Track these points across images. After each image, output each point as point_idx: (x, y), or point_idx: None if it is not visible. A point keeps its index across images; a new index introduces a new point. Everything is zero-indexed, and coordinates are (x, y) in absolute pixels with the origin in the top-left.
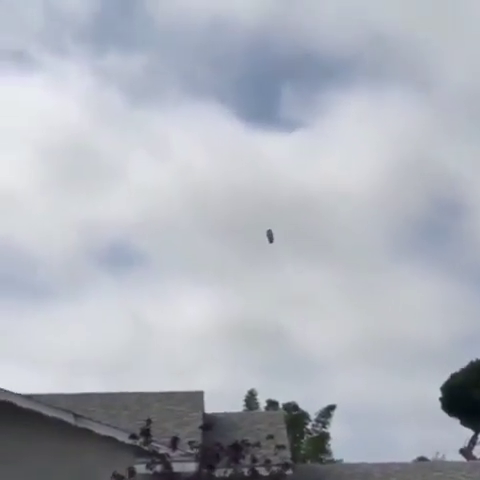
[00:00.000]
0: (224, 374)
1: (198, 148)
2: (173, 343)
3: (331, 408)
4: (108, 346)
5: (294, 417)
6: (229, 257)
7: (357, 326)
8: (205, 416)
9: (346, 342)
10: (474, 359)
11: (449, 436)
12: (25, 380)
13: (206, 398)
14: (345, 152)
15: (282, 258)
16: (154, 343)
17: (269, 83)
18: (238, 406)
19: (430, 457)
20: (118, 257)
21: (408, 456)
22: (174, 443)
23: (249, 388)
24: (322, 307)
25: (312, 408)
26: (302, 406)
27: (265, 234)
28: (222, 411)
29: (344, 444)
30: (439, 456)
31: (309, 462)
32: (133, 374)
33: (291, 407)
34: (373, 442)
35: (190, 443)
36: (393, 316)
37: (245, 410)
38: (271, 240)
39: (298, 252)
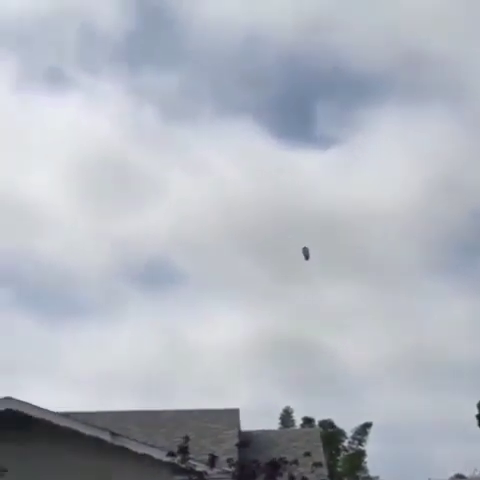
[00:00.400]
0: (259, 391)
1: (233, 165)
2: (209, 361)
3: (367, 425)
4: (145, 364)
5: (330, 434)
6: (264, 274)
7: (391, 343)
8: (241, 433)
9: (380, 359)
10: None
11: None
12: (62, 398)
13: (242, 415)
14: (379, 169)
15: (316, 275)
16: (190, 361)
17: (303, 100)
18: (274, 424)
19: (468, 474)
20: (154, 274)
21: (445, 473)
22: (212, 461)
23: (284, 406)
24: (356, 324)
25: (348, 425)
26: (338, 423)
27: (301, 251)
28: (258, 428)
29: (380, 461)
30: (477, 473)
31: (346, 479)
32: (170, 392)
33: (327, 424)
34: (409, 459)
35: (227, 461)
36: (427, 333)
37: (280, 428)
38: (307, 257)
39: (332, 269)
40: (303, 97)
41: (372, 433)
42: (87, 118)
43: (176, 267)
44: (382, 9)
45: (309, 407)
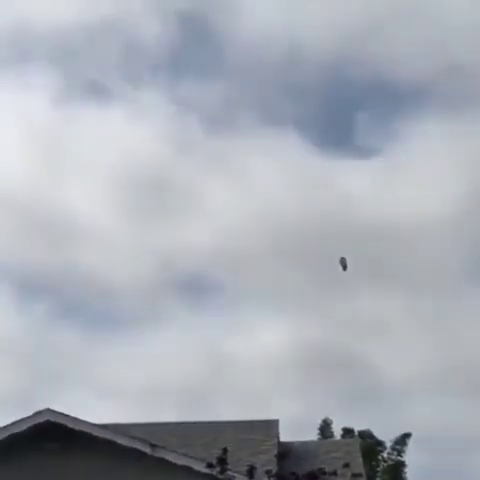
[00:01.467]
0: (299, 402)
1: (275, 176)
2: (249, 372)
3: (407, 436)
4: (184, 375)
5: (369, 445)
6: (305, 285)
7: (433, 353)
8: (280, 444)
9: (421, 369)
10: None
11: None
12: (103, 410)
13: (281, 426)
14: (421, 180)
15: (358, 286)
16: (230, 372)
17: (345, 111)
18: (312, 434)
19: None
20: (194, 287)
21: None
22: (251, 472)
23: (323, 416)
24: (398, 334)
25: (387, 436)
26: (377, 434)
27: (338, 262)
28: (297, 439)
29: (421, 472)
30: None
31: None
32: (209, 403)
33: (366, 435)
34: (450, 470)
35: (266, 472)
36: (469, 343)
37: (320, 438)
38: (345, 268)
39: (374, 280)
40: (346, 108)
41: (412, 444)
42: (129, 131)
43: (216, 279)
44: (422, 21)
45: (348, 418)
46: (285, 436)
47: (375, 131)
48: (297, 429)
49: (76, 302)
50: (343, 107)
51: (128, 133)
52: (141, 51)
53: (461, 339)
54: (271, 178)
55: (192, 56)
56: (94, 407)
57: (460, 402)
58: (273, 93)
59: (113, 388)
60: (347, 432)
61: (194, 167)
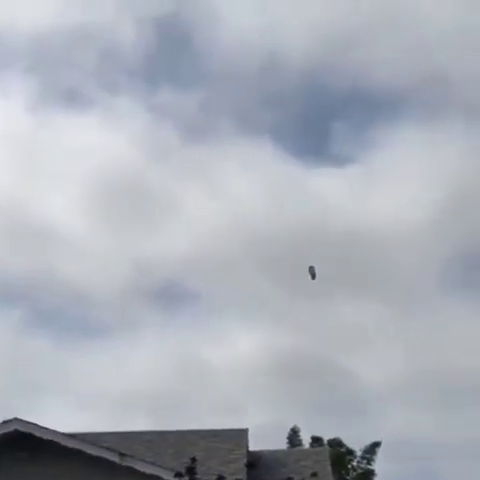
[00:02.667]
0: (270, 411)
1: (251, 184)
2: (222, 380)
3: (376, 444)
4: (158, 383)
5: (339, 454)
6: (279, 293)
7: (406, 362)
8: (249, 453)
9: (394, 378)
10: None
11: None
12: (75, 418)
13: (252, 435)
14: (397, 188)
15: (333, 294)
16: (204, 380)
17: (322, 119)
18: (282, 443)
19: None
20: (170, 294)
21: None
22: None
23: (292, 425)
24: (372, 343)
25: (358, 444)
26: (348, 442)
27: (308, 270)
28: (266, 448)
29: None
30: None
31: None
32: (183, 411)
33: (336, 443)
34: (420, 479)
35: None
36: (443, 351)
37: (288, 447)
38: (313, 276)
39: (349, 287)
40: (322, 116)
41: (382, 452)
42: (106, 138)
43: (191, 287)
44: (402, 29)
45: (318, 426)
46: (256, 445)
47: (351, 139)
48: (267, 438)
49: (51, 310)
50: (320, 115)
51: (104, 140)
52: (117, 58)
53: (433, 348)
54: (247, 186)
55: (169, 63)
56: (68, 415)
57: (430, 411)
58: (250, 101)
59: (87, 396)
60: (316, 440)
61: (170, 174)
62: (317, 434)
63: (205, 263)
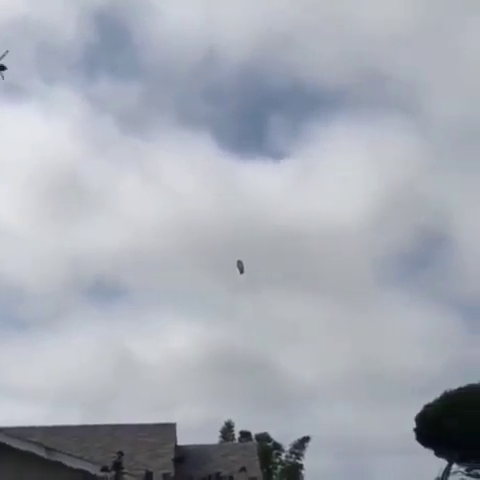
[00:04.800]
0: (202, 405)
1: (188, 177)
2: (155, 375)
3: (305, 439)
4: (89, 378)
5: (267, 448)
6: (215, 289)
7: (338, 357)
8: (178, 448)
9: (326, 373)
10: (448, 389)
11: (424, 467)
12: (2, 412)
13: (184, 429)
14: (333, 182)
15: (268, 289)
16: (136, 375)
17: (260, 114)
18: (215, 438)
19: None
20: (105, 289)
21: None
22: (148, 477)
23: (226, 419)
24: (306, 338)
25: (288, 439)
26: (277, 437)
27: (236, 265)
28: (196, 443)
29: (318, 476)
30: None
31: None
32: (114, 406)
33: (264, 438)
34: (348, 473)
35: (163, 476)
36: (375, 347)
37: (221, 441)
38: (241, 271)
39: (284, 282)
40: (260, 111)
41: (311, 447)
42: (42, 129)
43: (126, 282)
44: (340, 27)
45: (251, 421)
46: (188, 439)
47: (289, 134)
48: (199, 432)
49: None
50: (258, 109)
51: (41, 131)
52: (56, 50)
53: (365, 344)
54: (184, 179)
55: (108, 55)
56: None
57: (362, 405)
58: (189, 94)
59: (16, 390)
60: (244, 435)
61: (108, 167)
62: (247, 429)
63: (140, 258)
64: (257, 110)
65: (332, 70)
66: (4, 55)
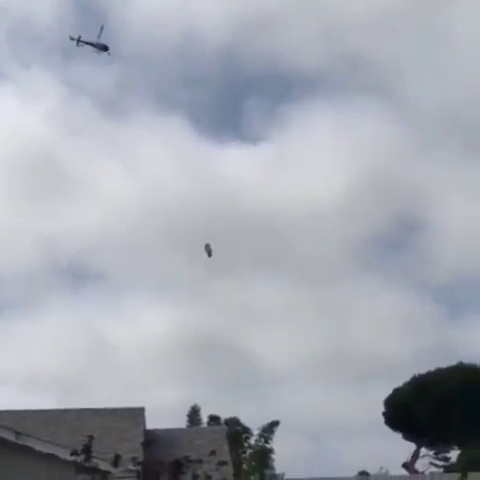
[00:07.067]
0: (173, 389)
1: (165, 161)
2: (126, 358)
3: (274, 424)
4: (62, 362)
5: (236, 432)
6: (190, 273)
7: (310, 340)
8: (147, 432)
9: (297, 356)
10: (417, 373)
11: (393, 450)
12: None
13: (154, 413)
14: (309, 166)
15: (241, 272)
16: (107, 359)
17: (237, 98)
18: (182, 422)
19: (373, 472)
20: (77, 272)
21: (351, 471)
22: (116, 461)
23: (193, 403)
24: (277, 321)
25: (258, 423)
26: (247, 421)
27: (204, 248)
28: (165, 427)
29: (288, 459)
30: (383, 471)
31: (252, 477)
32: (85, 390)
33: (233, 422)
34: (317, 457)
35: (132, 460)
36: (346, 330)
37: (188, 426)
38: (209, 254)
39: (258, 266)
40: (237, 96)
41: (281, 431)
42: (19, 112)
43: (100, 264)
44: (317, 11)
45: (220, 405)
46: (156, 423)
47: (266, 118)
48: (169, 416)
49: None
50: (235, 94)
51: (18, 114)
52: (33, 32)
53: (337, 327)
54: (161, 163)
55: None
56: None
57: (332, 389)
58: (166, 78)
59: None
60: (213, 419)
61: (83, 150)
62: (216, 413)
63: (114, 241)
64: (234, 94)
65: (310, 54)
66: (101, 31)
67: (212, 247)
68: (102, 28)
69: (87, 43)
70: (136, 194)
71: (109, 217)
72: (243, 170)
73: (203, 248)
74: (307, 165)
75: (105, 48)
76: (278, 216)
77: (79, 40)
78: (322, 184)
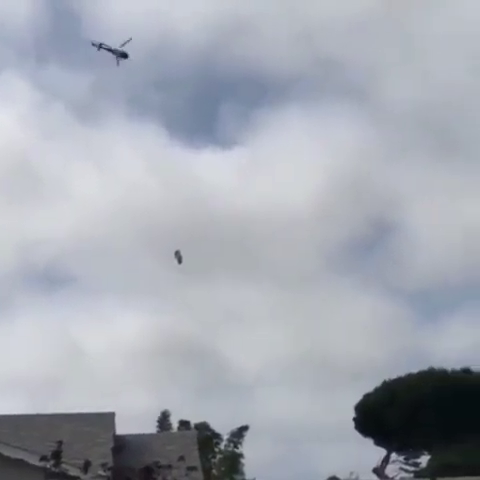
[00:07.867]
0: (143, 394)
1: (139, 166)
2: (98, 363)
3: (243, 428)
4: (32, 366)
5: (206, 437)
6: (165, 278)
7: (281, 345)
8: (116, 437)
9: (269, 361)
10: (387, 378)
11: (363, 456)
12: None
13: (124, 418)
14: (283, 170)
15: (217, 277)
16: (80, 363)
17: (210, 103)
18: (151, 427)
19: (344, 477)
20: (51, 276)
21: (321, 476)
22: (86, 467)
23: (162, 409)
24: (250, 326)
25: (228, 428)
26: (216, 426)
27: (174, 255)
28: (134, 432)
29: (258, 464)
30: (353, 476)
31: None
32: (55, 395)
33: (203, 427)
34: (287, 462)
35: (102, 465)
36: (319, 334)
37: (158, 431)
38: (180, 261)
39: (233, 271)
40: (212, 100)
41: (251, 436)
42: None
43: (73, 270)
44: (290, 15)
45: (190, 410)
46: (125, 429)
47: (239, 122)
48: (138, 421)
49: None
50: (209, 99)
51: None
52: (6, 36)
53: (310, 331)
54: (135, 167)
55: (58, 42)
56: None
57: (304, 394)
58: (141, 82)
59: None
60: (183, 424)
61: (57, 154)
62: (186, 418)
63: (88, 244)
64: (209, 98)
65: (284, 59)
66: (127, 42)
67: (186, 252)
68: (129, 40)
69: (108, 49)
70: (110, 198)
71: (83, 221)
72: (217, 174)
73: (177, 253)
74: (282, 169)
75: (125, 55)
76: (253, 220)
77: (100, 46)
78: (297, 188)
